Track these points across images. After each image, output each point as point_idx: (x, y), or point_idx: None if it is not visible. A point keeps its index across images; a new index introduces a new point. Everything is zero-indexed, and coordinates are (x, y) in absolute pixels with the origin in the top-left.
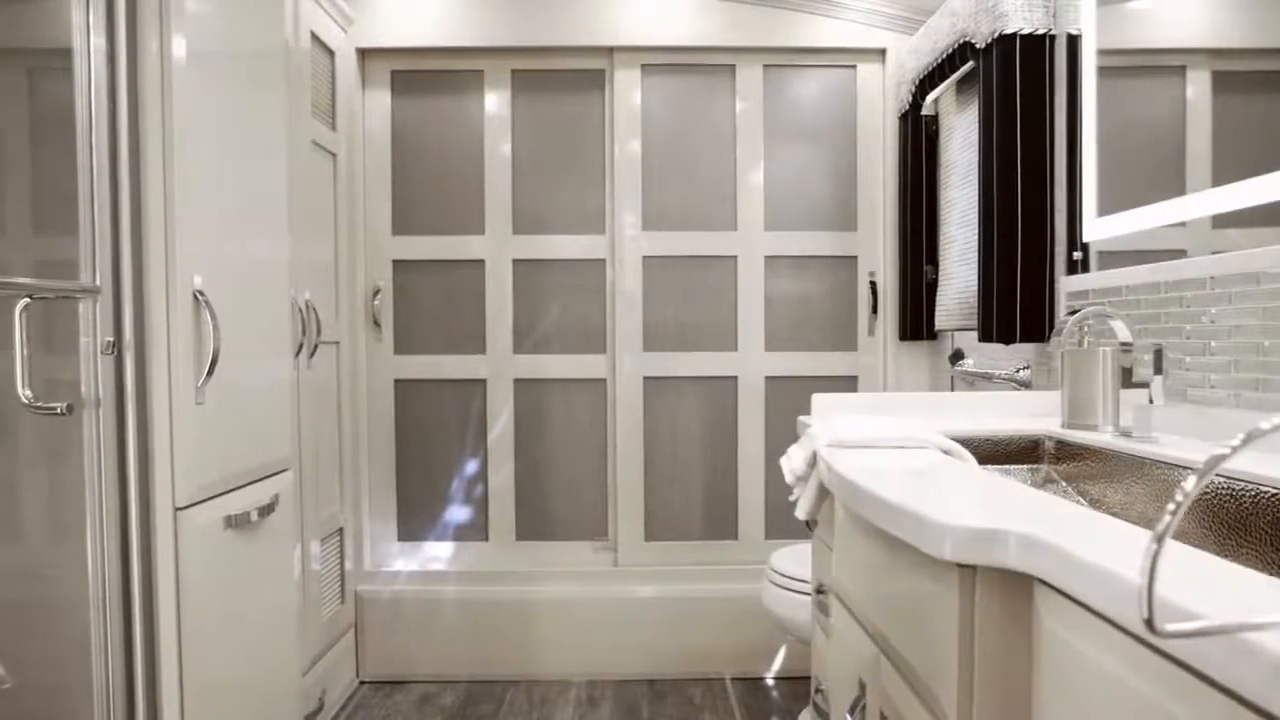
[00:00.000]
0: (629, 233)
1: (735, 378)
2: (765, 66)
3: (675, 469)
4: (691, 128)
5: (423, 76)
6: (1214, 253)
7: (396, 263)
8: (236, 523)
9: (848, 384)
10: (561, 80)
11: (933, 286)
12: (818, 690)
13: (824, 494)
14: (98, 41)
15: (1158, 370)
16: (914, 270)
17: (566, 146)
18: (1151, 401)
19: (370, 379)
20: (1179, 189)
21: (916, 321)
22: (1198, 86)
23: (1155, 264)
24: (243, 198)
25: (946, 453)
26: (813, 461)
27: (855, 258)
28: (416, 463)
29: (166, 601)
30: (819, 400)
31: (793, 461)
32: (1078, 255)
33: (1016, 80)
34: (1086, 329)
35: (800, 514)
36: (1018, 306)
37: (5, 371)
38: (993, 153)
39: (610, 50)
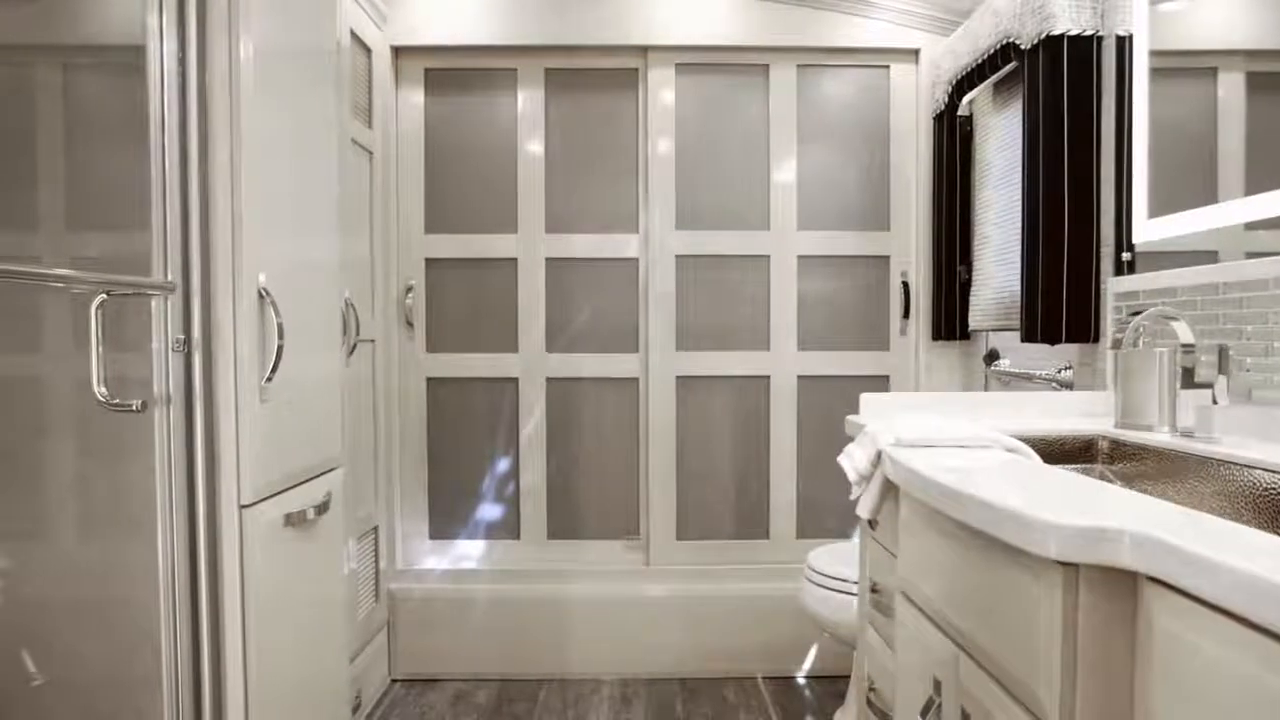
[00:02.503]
0: (662, 232)
1: (768, 377)
2: (799, 66)
3: (707, 468)
4: (725, 127)
5: (456, 75)
6: (1247, 254)
7: (429, 261)
8: (294, 520)
9: (879, 384)
10: (595, 79)
11: (966, 287)
12: (871, 689)
13: (886, 493)
14: (170, 45)
15: (1222, 371)
16: (948, 270)
17: (599, 145)
18: (1215, 402)
19: (402, 377)
20: (1238, 191)
21: (950, 321)
22: (1251, 87)
23: (1214, 265)
24: (299, 196)
25: (1010, 451)
26: (876, 460)
27: (887, 257)
28: (448, 461)
29: (231, 598)
30: (868, 399)
31: (855, 461)
32: (1128, 256)
33: (1063, 81)
34: (1141, 330)
35: (863, 513)
36: (1064, 307)
37: (67, 368)
38: (1038, 154)
39: (644, 49)
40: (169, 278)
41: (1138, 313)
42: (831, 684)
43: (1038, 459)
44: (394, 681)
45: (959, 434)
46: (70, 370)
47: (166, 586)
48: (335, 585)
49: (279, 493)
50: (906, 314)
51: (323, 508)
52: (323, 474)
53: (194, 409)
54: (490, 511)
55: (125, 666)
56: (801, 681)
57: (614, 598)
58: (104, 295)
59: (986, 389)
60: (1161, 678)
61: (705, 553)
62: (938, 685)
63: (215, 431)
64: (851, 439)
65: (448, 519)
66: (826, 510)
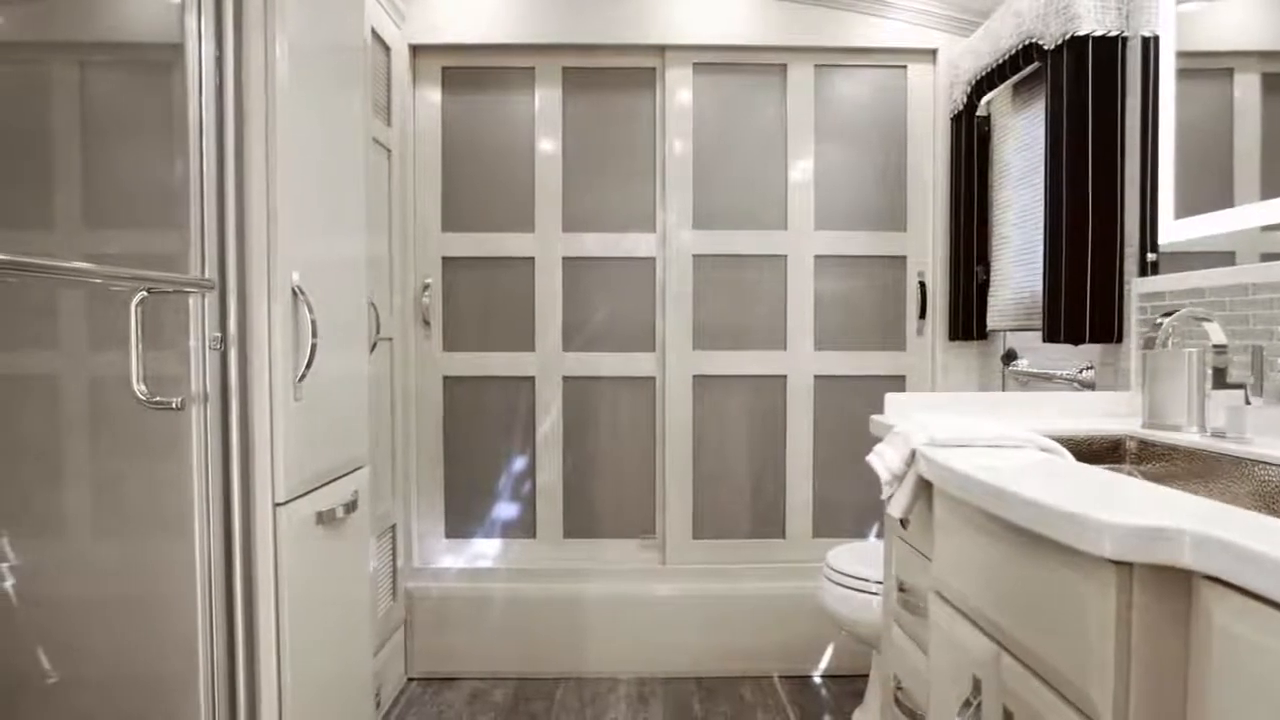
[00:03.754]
0: (679, 231)
1: (784, 376)
2: (816, 66)
3: (723, 467)
4: (742, 127)
5: (473, 73)
6: (1262, 255)
7: (446, 259)
8: (325, 519)
9: (895, 384)
10: (612, 78)
11: (984, 287)
12: (898, 688)
13: (919, 493)
14: (209, 47)
15: (1254, 371)
16: (965, 270)
17: (616, 144)
18: (1248, 402)
19: (419, 375)
20: (1272, 192)
21: (967, 322)
22: (1266, 89)
23: (1245, 266)
24: (328, 193)
25: (1044, 451)
26: (910, 460)
27: (904, 258)
28: (463, 460)
29: (266, 596)
30: (892, 399)
31: (888, 460)
32: (1153, 257)
33: (1088, 82)
34: (1171, 330)
35: (896, 512)
36: (1087, 307)
37: (99, 365)
38: (1062, 154)
39: (662, 49)
40: (206, 275)
41: (1170, 313)
42: (849, 683)
43: (1071, 459)
44: (410, 680)
45: (992, 434)
46: (104, 367)
47: (204, 584)
48: (361, 584)
49: (310, 491)
50: (923, 314)
51: (351, 506)
52: (350, 472)
53: (230, 407)
54: (506, 510)
55: (160, 664)
56: (818, 681)
57: (630, 597)
58: (144, 293)
59: (1004, 389)
60: (1221, 677)
61: (721, 552)
62: (977, 684)
63: (250, 429)
64: (877, 439)
65: (463, 518)
66: (842, 510)
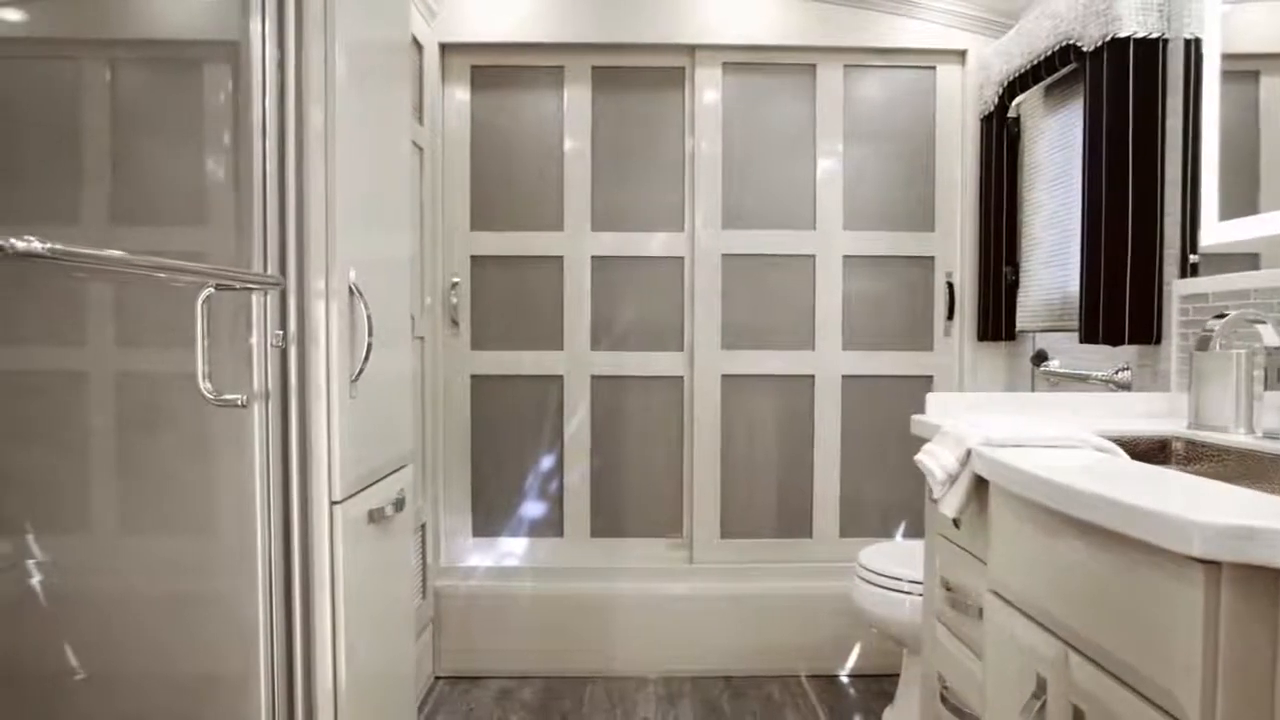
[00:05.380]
0: (707, 230)
1: (812, 376)
2: (846, 67)
3: (751, 466)
4: (770, 126)
5: (502, 71)
6: None
7: (474, 258)
8: (375, 517)
9: (923, 384)
10: (641, 77)
11: (1013, 287)
12: (945, 687)
13: (972, 492)
14: (271, 50)
15: None
16: (994, 271)
17: (645, 143)
18: None
19: (447, 374)
20: None
21: (996, 322)
22: None
23: None
24: (378, 191)
25: (1100, 451)
26: (965, 459)
27: (932, 258)
28: (491, 458)
29: (322, 595)
30: (935, 399)
31: (941, 459)
32: (1195, 258)
33: (1129, 83)
34: (1222, 332)
35: (950, 512)
36: (1126, 309)
37: (159, 362)
38: (1101, 156)
39: (692, 48)
40: (268, 271)
41: (1221, 315)
42: (876, 683)
43: (1128, 459)
44: (437, 679)
45: (1047, 433)
46: (161, 364)
47: (265, 582)
48: (405, 582)
49: (363, 489)
50: (951, 314)
51: (399, 505)
52: (396, 471)
53: (289, 405)
54: (533, 509)
55: (217, 662)
56: (845, 680)
57: (657, 596)
58: (211, 289)
59: (1033, 389)
60: None
61: (748, 551)
62: (1041, 682)
63: (309, 428)
64: (917, 438)
65: (490, 517)
66: (870, 509)
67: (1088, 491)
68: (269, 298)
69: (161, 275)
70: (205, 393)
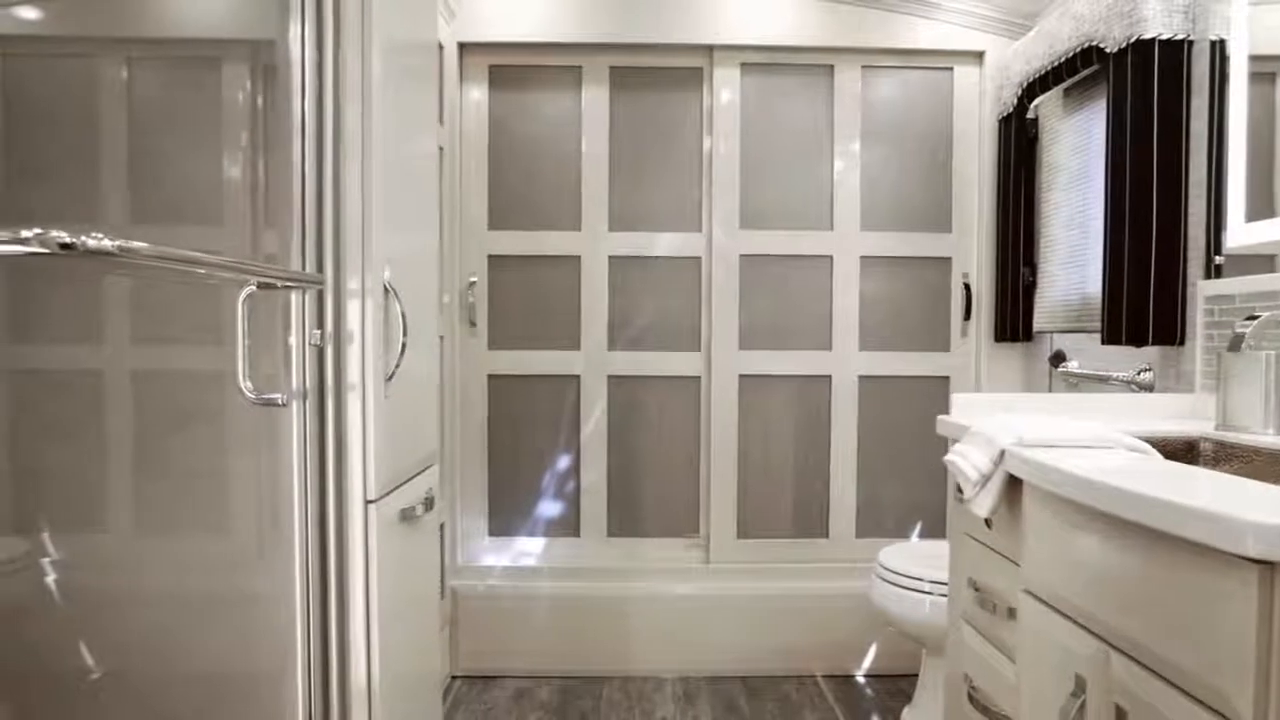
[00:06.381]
0: (725, 231)
1: (829, 377)
2: (863, 67)
3: (767, 467)
4: (788, 127)
5: (520, 71)
6: None
7: (491, 257)
8: (406, 516)
9: (940, 385)
10: (659, 77)
11: (1030, 288)
12: (972, 687)
13: (1005, 492)
14: (311, 53)
15: None
16: (1012, 272)
17: (663, 143)
18: None
19: (464, 373)
20: None
21: (1013, 323)
22: None
23: None
24: (408, 192)
25: (1133, 451)
26: (999, 460)
27: (949, 259)
28: (507, 458)
29: (357, 594)
30: (961, 399)
31: (973, 460)
32: (1220, 260)
33: (1153, 85)
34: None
35: (982, 512)
36: (1150, 309)
37: (196, 361)
38: (1124, 157)
39: (710, 49)
40: (306, 269)
41: (1253, 317)
42: (892, 683)
43: (1161, 459)
44: (454, 678)
45: (1080, 434)
46: (197, 362)
47: (303, 582)
48: (432, 581)
49: (395, 489)
50: (968, 315)
51: (428, 504)
52: (423, 470)
53: (325, 404)
54: (550, 509)
55: (252, 661)
56: (861, 680)
57: (674, 596)
58: (252, 287)
59: (1050, 390)
60: None
61: (765, 551)
62: (1080, 682)
63: (344, 427)
64: (936, 439)
65: (507, 516)
66: (886, 510)
67: (1137, 492)
68: (307, 297)
69: (201, 271)
70: (246, 392)
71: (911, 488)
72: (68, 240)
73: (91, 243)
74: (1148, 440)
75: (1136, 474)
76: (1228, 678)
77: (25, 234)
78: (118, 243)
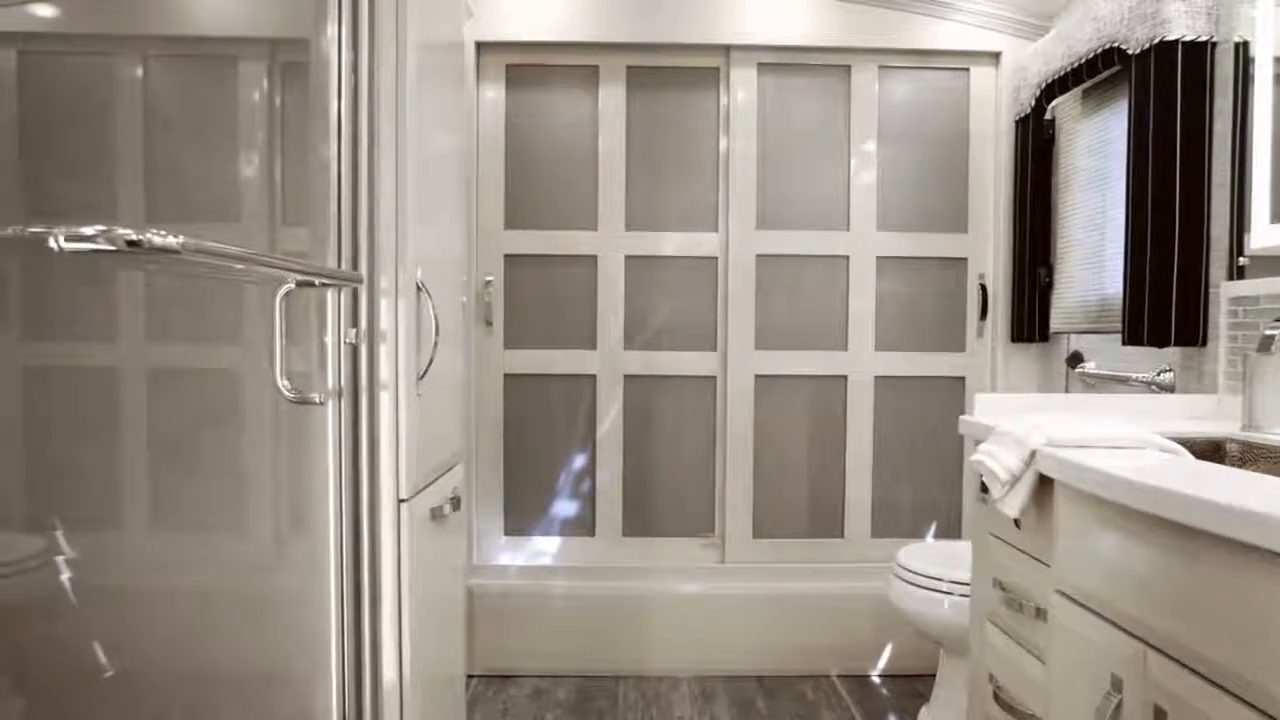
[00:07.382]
0: (741, 231)
1: (845, 376)
2: (880, 68)
3: (783, 466)
4: (804, 127)
5: (537, 71)
6: None
7: (508, 257)
8: (436, 515)
9: (955, 385)
10: (676, 77)
11: (1047, 289)
12: (998, 687)
13: (1035, 493)
14: (347, 54)
15: None
16: (1028, 272)
17: (679, 143)
18: None
19: (479, 372)
20: None
21: (1029, 323)
22: None
23: None
24: (438, 192)
25: (1164, 451)
26: (1029, 460)
27: (965, 259)
28: (523, 457)
29: (389, 593)
30: (983, 400)
31: (1003, 460)
32: (1244, 261)
33: (1176, 86)
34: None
35: (1012, 512)
36: (1172, 310)
37: (228, 359)
38: (1146, 158)
39: (727, 49)
40: (342, 268)
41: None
42: (908, 683)
43: (1192, 459)
44: (470, 677)
45: (1111, 434)
46: (230, 360)
47: (337, 581)
48: (458, 580)
49: (425, 488)
50: (984, 316)
51: (456, 503)
52: (450, 469)
53: (360, 403)
54: (565, 508)
55: (285, 659)
56: (877, 680)
57: (689, 595)
58: (291, 285)
59: (1067, 391)
60: None
61: (781, 551)
62: (1116, 682)
63: (377, 426)
64: (955, 439)
65: (522, 515)
66: (902, 510)
67: (1183, 493)
68: (342, 295)
69: (239, 267)
70: (284, 390)
71: (927, 488)
72: (134, 237)
73: (157, 240)
74: (1174, 440)
75: (1177, 474)
76: (1275, 677)
77: (88, 231)
78: (181, 239)
